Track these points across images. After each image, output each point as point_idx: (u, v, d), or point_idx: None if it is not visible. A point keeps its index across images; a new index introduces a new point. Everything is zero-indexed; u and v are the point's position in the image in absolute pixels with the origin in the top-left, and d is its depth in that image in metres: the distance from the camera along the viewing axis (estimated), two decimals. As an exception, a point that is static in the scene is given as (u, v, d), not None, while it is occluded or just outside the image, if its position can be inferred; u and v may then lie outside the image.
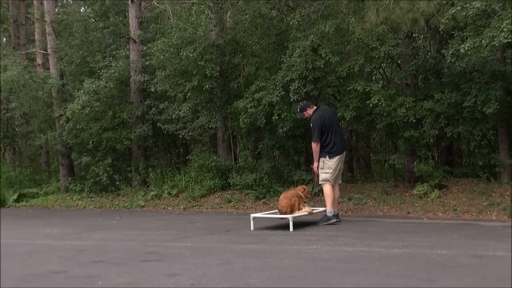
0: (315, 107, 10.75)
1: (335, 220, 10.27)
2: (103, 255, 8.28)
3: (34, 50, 22.71)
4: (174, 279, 6.42)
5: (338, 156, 10.36)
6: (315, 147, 10.34)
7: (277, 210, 10.48)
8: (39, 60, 21.82)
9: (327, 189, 10.32)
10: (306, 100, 11.52)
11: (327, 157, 10.30)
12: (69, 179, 17.92)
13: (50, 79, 18.30)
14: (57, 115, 17.63)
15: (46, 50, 19.73)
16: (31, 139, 21.08)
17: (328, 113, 10.84)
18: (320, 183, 10.56)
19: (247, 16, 14.88)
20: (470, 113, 11.79)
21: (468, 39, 10.47)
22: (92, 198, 16.48)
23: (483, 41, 10.04)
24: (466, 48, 10.31)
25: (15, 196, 17.69)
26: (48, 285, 6.41)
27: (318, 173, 10.49)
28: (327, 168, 10.28)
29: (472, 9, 9.96)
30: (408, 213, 11.35)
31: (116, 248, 9.00)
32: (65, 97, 17.87)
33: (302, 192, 10.60)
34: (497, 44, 10.01)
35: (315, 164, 10.46)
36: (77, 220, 13.33)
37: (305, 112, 10.68)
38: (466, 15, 10.18)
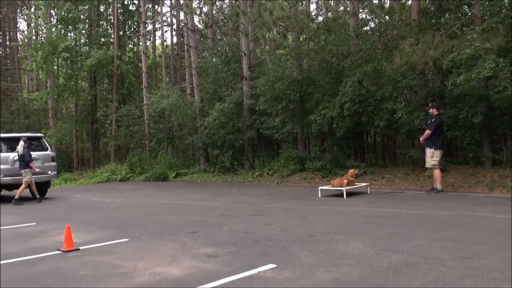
0: (439, 112, 10.24)
1: (443, 193, 9.92)
2: (227, 211, 8.75)
3: (185, 85, 23.60)
4: (270, 227, 6.79)
5: (441, 150, 10.05)
6: (429, 133, 9.90)
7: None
8: (188, 91, 22.59)
9: (437, 172, 10.05)
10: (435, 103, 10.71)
11: (433, 148, 9.96)
12: (206, 164, 18.53)
13: (195, 102, 19.05)
14: (199, 125, 18.26)
15: (192, 85, 20.50)
16: (183, 139, 21.79)
17: (443, 122, 10.54)
18: (430, 166, 10.14)
19: (316, 62, 14.95)
20: (463, 122, 11.47)
21: (462, 74, 10.21)
22: (220, 176, 16.91)
23: (472, 75, 9.87)
24: (461, 80, 10.11)
25: (173, 174, 18.45)
26: (194, 229, 6.90)
27: (424, 144, 10.17)
28: (435, 157, 9.95)
29: (465, 54, 9.81)
30: (422, 187, 11.13)
31: (234, 207, 9.42)
32: (203, 114, 18.39)
33: (351, 175, 10.58)
34: (481, 77, 9.83)
35: (422, 138, 10.13)
36: (211, 189, 13.79)
37: (432, 109, 10.15)
38: (461, 58, 10.02)
